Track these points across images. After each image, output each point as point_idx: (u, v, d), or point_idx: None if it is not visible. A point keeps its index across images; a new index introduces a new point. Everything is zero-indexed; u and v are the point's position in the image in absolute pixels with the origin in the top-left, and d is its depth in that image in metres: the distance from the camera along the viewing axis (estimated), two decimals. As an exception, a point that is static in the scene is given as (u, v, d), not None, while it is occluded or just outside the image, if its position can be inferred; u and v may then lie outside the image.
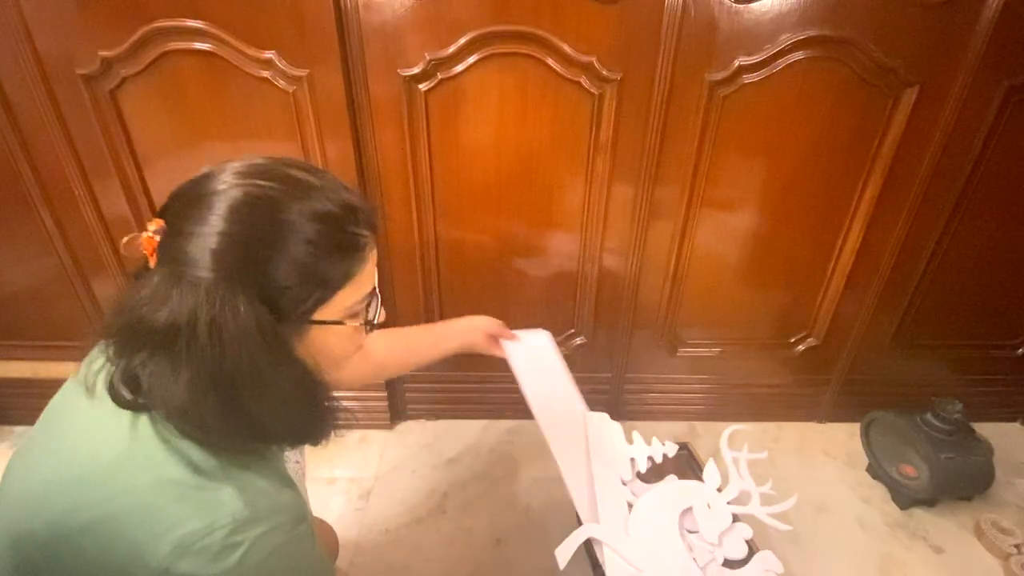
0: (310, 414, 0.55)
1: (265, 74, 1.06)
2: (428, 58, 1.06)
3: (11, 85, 1.06)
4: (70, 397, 0.54)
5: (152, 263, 0.48)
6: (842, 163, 1.19)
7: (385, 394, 1.46)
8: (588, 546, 0.97)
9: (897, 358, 1.46)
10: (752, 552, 0.93)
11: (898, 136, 1.14)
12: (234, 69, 1.05)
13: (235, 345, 0.46)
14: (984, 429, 1.30)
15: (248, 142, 1.12)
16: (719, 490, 1.00)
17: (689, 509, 0.97)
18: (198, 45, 1.03)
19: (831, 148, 1.16)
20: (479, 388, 1.50)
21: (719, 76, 1.08)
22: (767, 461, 1.12)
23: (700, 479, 1.09)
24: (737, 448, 1.06)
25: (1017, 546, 1.16)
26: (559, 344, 1.43)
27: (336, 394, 0.59)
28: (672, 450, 1.08)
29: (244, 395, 0.48)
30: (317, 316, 0.52)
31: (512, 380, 1.49)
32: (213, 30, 1.01)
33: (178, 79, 1.06)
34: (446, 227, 1.26)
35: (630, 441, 1.08)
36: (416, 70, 1.07)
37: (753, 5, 1.02)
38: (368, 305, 0.57)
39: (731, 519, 0.95)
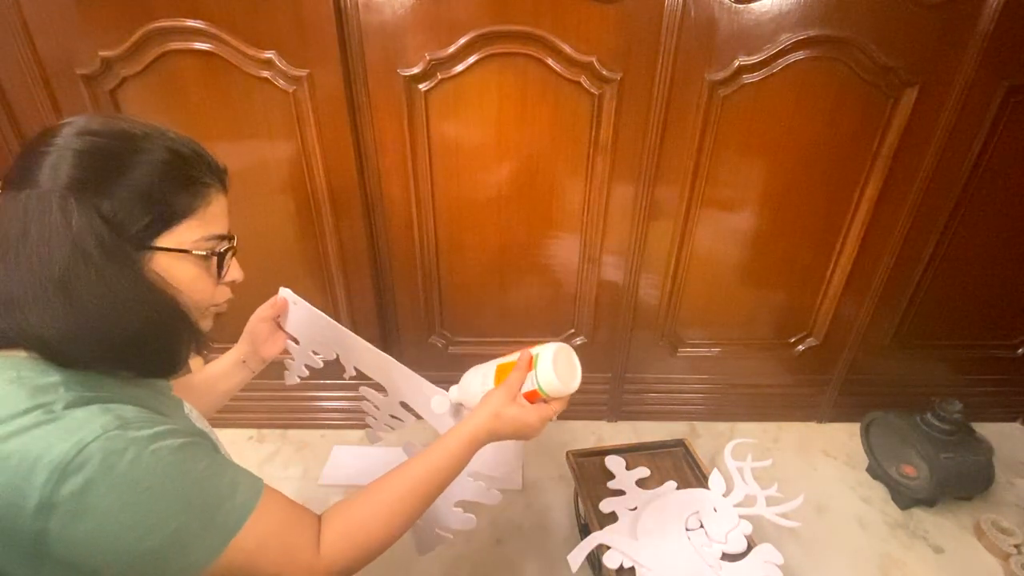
0: (159, 336, 0.54)
1: (265, 74, 1.06)
2: (428, 58, 1.06)
3: (11, 85, 1.05)
4: None
5: None
6: (842, 163, 1.19)
7: (385, 394, 1.46)
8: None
9: (897, 358, 1.46)
10: (751, 547, 0.94)
11: (898, 136, 1.14)
12: (234, 69, 1.05)
13: (65, 249, 0.47)
14: (984, 429, 1.30)
15: (248, 142, 1.12)
16: (724, 495, 1.01)
17: (695, 513, 0.99)
18: (198, 45, 1.03)
19: (831, 148, 1.16)
20: (479, 388, 1.50)
21: (719, 76, 1.08)
22: (766, 461, 1.12)
23: (698, 478, 1.10)
24: (741, 458, 1.08)
25: (1017, 546, 1.16)
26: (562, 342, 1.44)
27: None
28: (645, 472, 1.10)
29: (84, 303, 0.48)
30: (160, 242, 0.53)
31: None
32: (213, 30, 1.01)
33: (178, 79, 1.06)
34: (446, 227, 1.26)
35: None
36: (416, 70, 1.07)
37: (753, 5, 1.02)
38: (219, 250, 0.58)
39: (738, 520, 0.97)
